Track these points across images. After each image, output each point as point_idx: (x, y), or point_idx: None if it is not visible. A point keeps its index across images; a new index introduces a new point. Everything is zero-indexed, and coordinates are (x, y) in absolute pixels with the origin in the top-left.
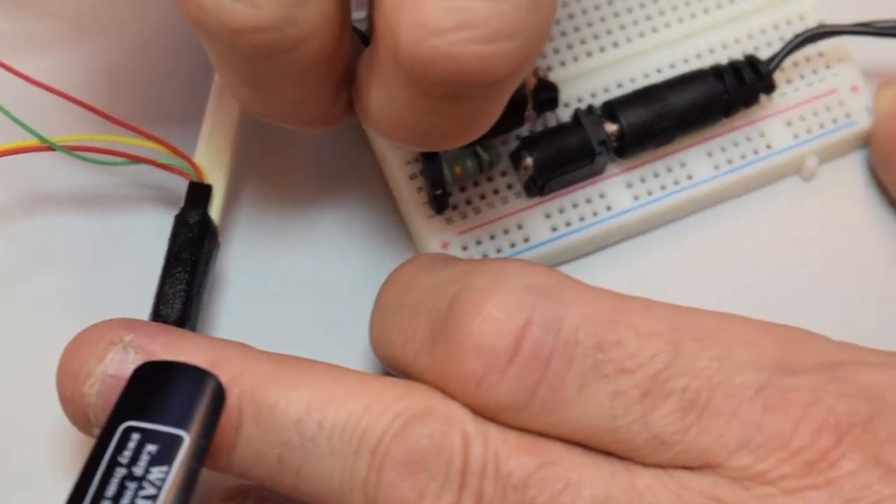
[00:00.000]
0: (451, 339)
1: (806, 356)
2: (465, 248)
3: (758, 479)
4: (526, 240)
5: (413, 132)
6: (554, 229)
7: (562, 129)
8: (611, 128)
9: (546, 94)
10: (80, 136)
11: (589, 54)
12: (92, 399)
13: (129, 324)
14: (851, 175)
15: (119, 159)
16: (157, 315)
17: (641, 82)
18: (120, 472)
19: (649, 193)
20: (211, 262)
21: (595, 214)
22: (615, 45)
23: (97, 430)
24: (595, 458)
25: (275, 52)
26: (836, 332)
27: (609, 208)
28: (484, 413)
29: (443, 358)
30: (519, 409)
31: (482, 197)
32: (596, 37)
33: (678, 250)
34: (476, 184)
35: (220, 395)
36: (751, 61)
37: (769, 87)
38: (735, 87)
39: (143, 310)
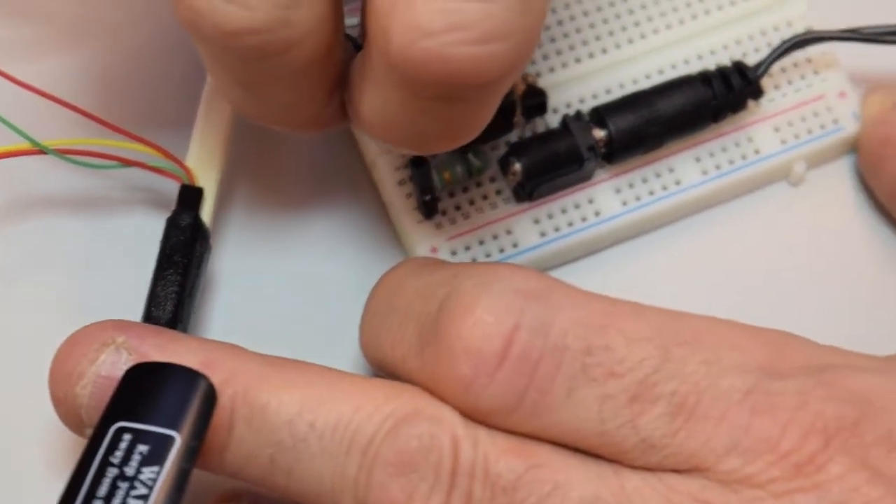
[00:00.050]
0: (441, 343)
1: (793, 360)
2: (454, 254)
3: (746, 483)
4: (515, 245)
5: (405, 134)
6: (543, 234)
7: (550, 134)
8: (599, 133)
9: (535, 99)
10: (72, 140)
11: (578, 60)
12: (84, 400)
13: (121, 325)
14: (839, 180)
15: (111, 162)
16: (149, 317)
17: (630, 88)
18: (111, 472)
19: (638, 199)
20: (202, 264)
21: (584, 220)
22: (604, 50)
23: (89, 431)
24: (584, 461)
25: (268, 54)
26: (823, 337)
27: (598, 214)
28: (473, 416)
29: (432, 361)
30: (508, 413)
31: (471, 202)
32: (584, 42)
33: (667, 255)
34: (465, 189)
35: (211, 396)
36: (739, 67)
37: (757, 93)
38: (723, 93)
39: (135, 312)
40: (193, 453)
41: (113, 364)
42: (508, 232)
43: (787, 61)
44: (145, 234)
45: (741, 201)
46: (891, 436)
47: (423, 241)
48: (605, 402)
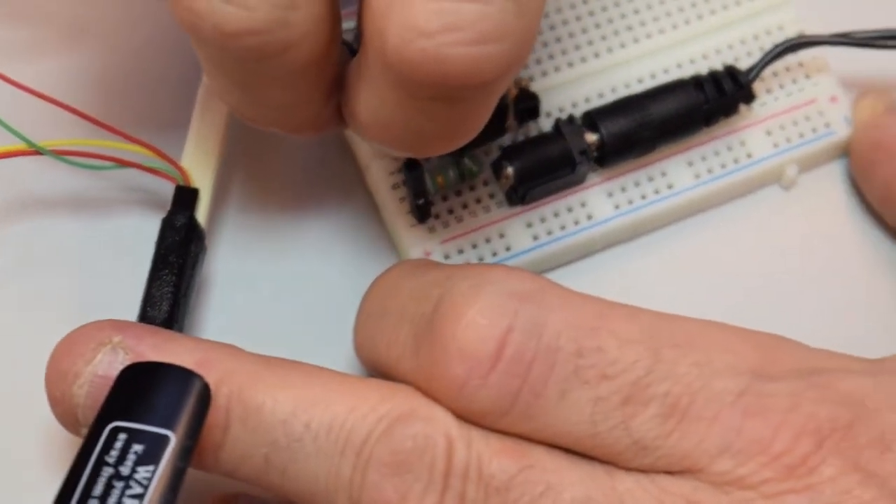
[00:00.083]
0: (435, 344)
1: (784, 363)
2: (447, 257)
3: (738, 484)
4: (508, 248)
5: (402, 136)
6: (535, 238)
7: (543, 138)
8: (591, 137)
9: (527, 103)
10: (68, 141)
11: (570, 64)
12: (81, 399)
13: (118, 325)
14: (831, 184)
15: (106, 163)
16: (145, 317)
17: (622, 92)
18: (107, 471)
19: (630, 202)
20: (198, 264)
21: (576, 223)
22: (596, 55)
23: (86, 431)
24: (576, 462)
25: (267, 56)
26: (815, 340)
27: (590, 217)
28: (467, 417)
29: (426, 362)
30: (501, 414)
31: (464, 206)
32: (577, 47)
33: (659, 259)
34: (458, 193)
35: (206, 396)
36: (730, 71)
37: (749, 97)
38: (715, 97)
39: (131, 312)
40: (188, 452)
41: (109, 364)
42: (501, 235)
43: (778, 65)
44: (141, 234)
45: (733, 205)
46: (883, 438)
47: (417, 244)
48: (598, 404)
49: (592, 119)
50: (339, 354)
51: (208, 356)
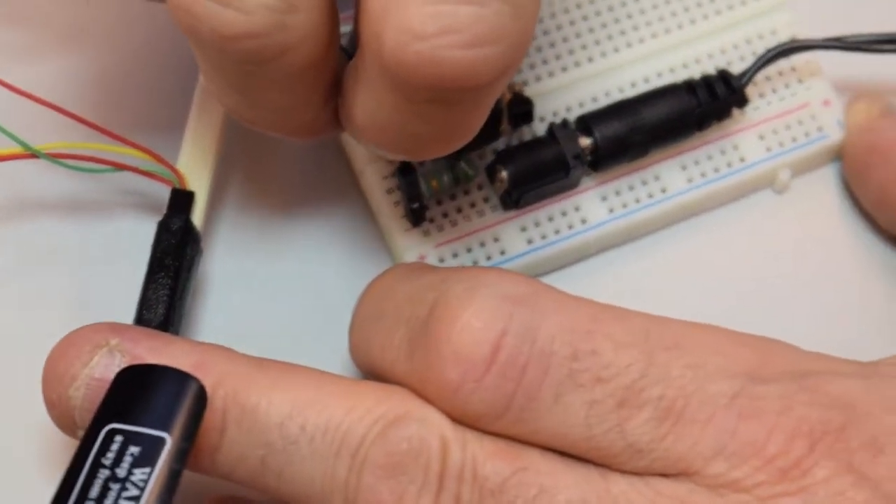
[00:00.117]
0: (430, 347)
1: (777, 365)
2: (441, 261)
3: (732, 487)
4: (502, 252)
5: (398, 139)
6: (530, 242)
7: (537, 142)
8: (585, 141)
9: (521, 107)
10: (64, 144)
11: (564, 69)
12: (77, 402)
13: (114, 327)
14: (824, 188)
15: (103, 166)
16: (141, 319)
17: (616, 96)
18: (103, 473)
19: (624, 206)
20: (193, 267)
21: (570, 227)
22: (590, 59)
23: (82, 433)
24: (571, 464)
25: (265, 59)
26: (808, 343)
27: (584, 221)
28: (462, 420)
29: (421, 365)
30: (496, 417)
31: (459, 210)
32: (571, 52)
33: (652, 263)
34: (453, 197)
35: (202, 398)
36: (723, 76)
37: (742, 101)
38: (708, 101)
39: (127, 314)
40: (184, 454)
41: (106, 366)
42: (496, 239)
43: (771, 70)
44: (137, 237)
45: (727, 209)
46: (875, 441)
47: (412, 248)
48: (593, 407)
49: (586, 123)
50: (335, 357)
51: (204, 359)
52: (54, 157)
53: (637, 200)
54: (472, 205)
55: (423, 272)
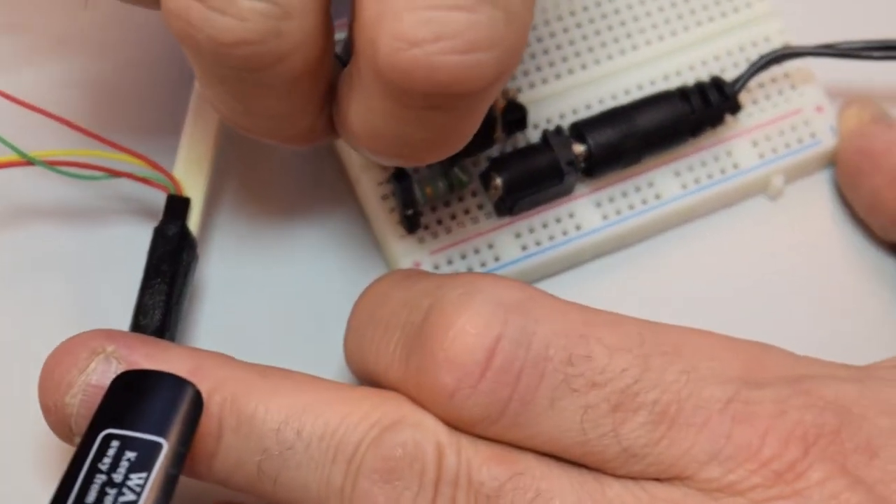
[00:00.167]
0: (425, 353)
1: (770, 370)
2: (436, 267)
3: (727, 490)
4: (497, 259)
5: (393, 145)
6: (524, 248)
7: (531, 149)
8: (579, 148)
9: (515, 114)
10: (60, 151)
11: (558, 76)
12: (74, 409)
13: (111, 334)
14: (817, 193)
15: (98, 173)
16: (137, 326)
17: (609, 103)
18: (100, 478)
19: (618, 213)
20: (189, 273)
21: (564, 234)
22: (583, 66)
23: (79, 440)
24: (566, 469)
25: (260, 66)
26: (802, 348)
27: (578, 228)
28: (457, 425)
29: (416, 371)
30: (491, 423)
31: (453, 217)
32: (565, 59)
33: (647, 269)
34: (447, 204)
35: (198, 403)
36: (716, 82)
37: (735, 108)
38: (701, 108)
39: (123, 321)
40: (181, 459)
41: (103, 373)
42: (490, 246)
43: (764, 76)
44: (133, 243)
45: (720, 215)
46: (870, 444)
47: (406, 255)
48: (588, 411)
49: (580, 130)
50: (330, 363)
51: (201, 365)
52: (50, 164)
53: (631, 207)
54: (467, 211)
55: (417, 278)
